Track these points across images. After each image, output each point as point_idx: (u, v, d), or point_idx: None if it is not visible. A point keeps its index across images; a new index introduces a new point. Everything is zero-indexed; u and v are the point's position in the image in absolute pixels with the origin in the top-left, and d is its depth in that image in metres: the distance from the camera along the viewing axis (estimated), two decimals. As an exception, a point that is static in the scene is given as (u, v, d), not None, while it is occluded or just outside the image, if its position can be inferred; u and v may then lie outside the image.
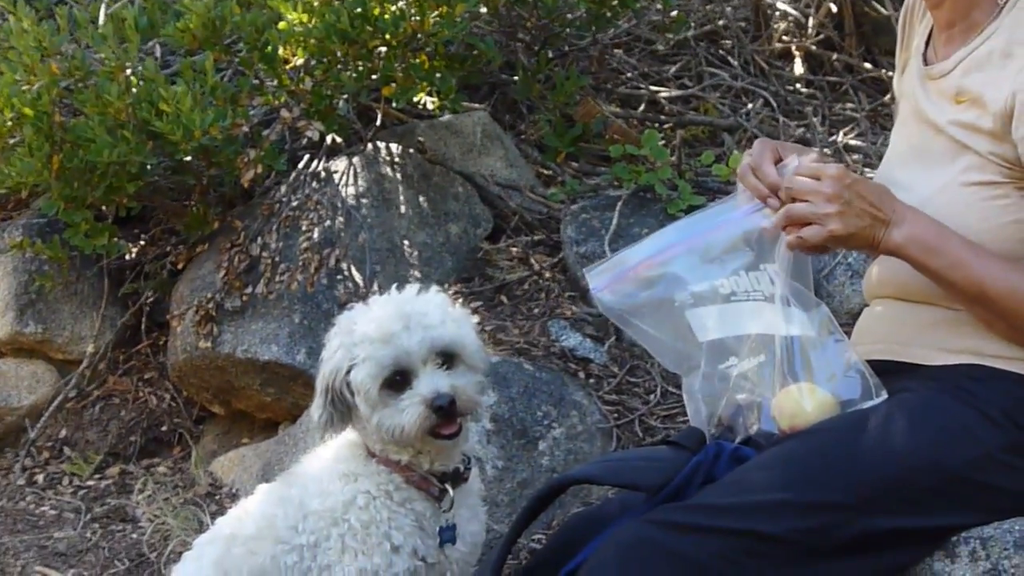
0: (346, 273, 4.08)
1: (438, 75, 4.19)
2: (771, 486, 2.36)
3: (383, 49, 4.03)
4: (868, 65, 5.53)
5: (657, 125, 4.99)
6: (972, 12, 2.57)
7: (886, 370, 2.50)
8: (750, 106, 5.23)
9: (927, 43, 2.71)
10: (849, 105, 5.35)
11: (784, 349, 2.46)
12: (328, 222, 4.14)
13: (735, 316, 2.51)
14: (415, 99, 4.35)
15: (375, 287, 4.00)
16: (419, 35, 3.98)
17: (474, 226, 4.40)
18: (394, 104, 4.31)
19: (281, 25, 3.97)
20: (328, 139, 4.34)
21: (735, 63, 5.45)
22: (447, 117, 4.58)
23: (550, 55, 4.78)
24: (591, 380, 3.85)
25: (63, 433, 4.37)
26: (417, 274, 4.14)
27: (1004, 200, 2.46)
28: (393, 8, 3.95)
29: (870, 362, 2.48)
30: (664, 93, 5.24)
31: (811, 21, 5.62)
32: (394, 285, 2.62)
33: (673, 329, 2.56)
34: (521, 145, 4.81)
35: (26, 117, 3.81)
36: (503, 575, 2.57)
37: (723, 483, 2.42)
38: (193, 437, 4.35)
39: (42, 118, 3.81)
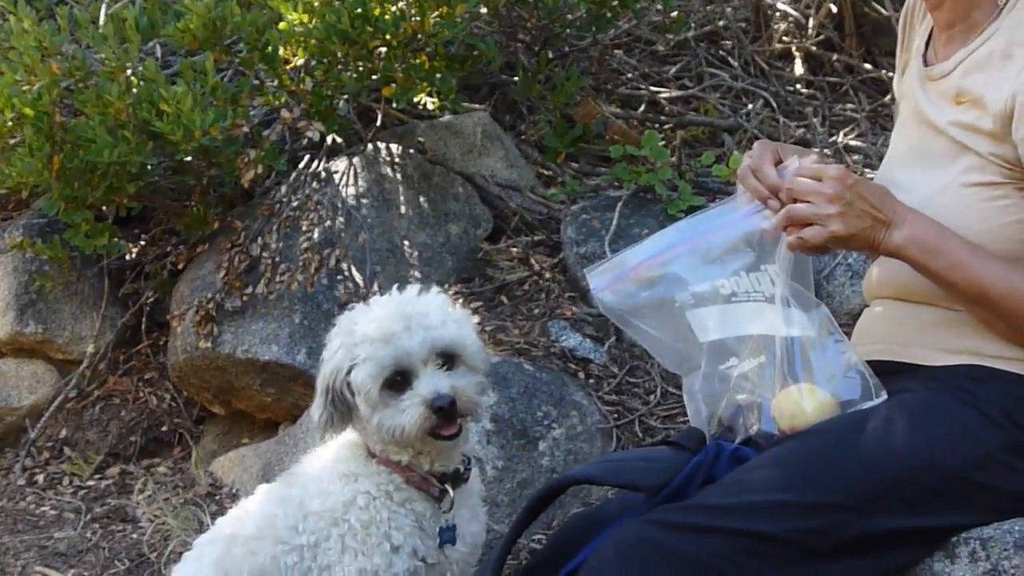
0: (346, 273, 4.08)
1: (438, 75, 4.20)
2: (771, 486, 2.36)
3: (383, 49, 4.03)
4: (868, 66, 5.53)
5: (657, 126, 4.99)
6: (972, 13, 2.58)
7: (886, 370, 2.50)
8: (750, 107, 5.23)
9: (927, 44, 2.72)
10: (849, 106, 5.36)
11: (784, 350, 2.46)
12: (328, 222, 4.14)
13: (736, 317, 2.52)
14: (415, 99, 4.35)
15: (375, 287, 4.00)
16: (419, 35, 3.98)
17: (474, 226, 4.40)
18: (394, 104, 4.31)
19: (281, 25, 3.97)
20: (328, 139, 4.34)
21: (735, 64, 5.45)
22: (447, 117, 4.58)
23: (550, 55, 4.78)
24: (591, 380, 3.85)
25: (63, 433, 4.37)
26: (417, 274, 4.14)
27: (1004, 201, 2.47)
28: (393, 8, 3.95)
29: (870, 362, 2.48)
30: (664, 94, 5.25)
31: (811, 22, 5.63)
32: (394, 285, 2.62)
33: (674, 329, 2.56)
34: (521, 145, 4.81)
35: (26, 117, 3.81)
36: (503, 575, 2.57)
37: (723, 483, 2.42)
38: (193, 437, 4.35)
39: (42, 118, 3.82)
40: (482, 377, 2.58)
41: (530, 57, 4.77)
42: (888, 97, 5.21)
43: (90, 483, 4.20)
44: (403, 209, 4.29)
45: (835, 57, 5.54)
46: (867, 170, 4.60)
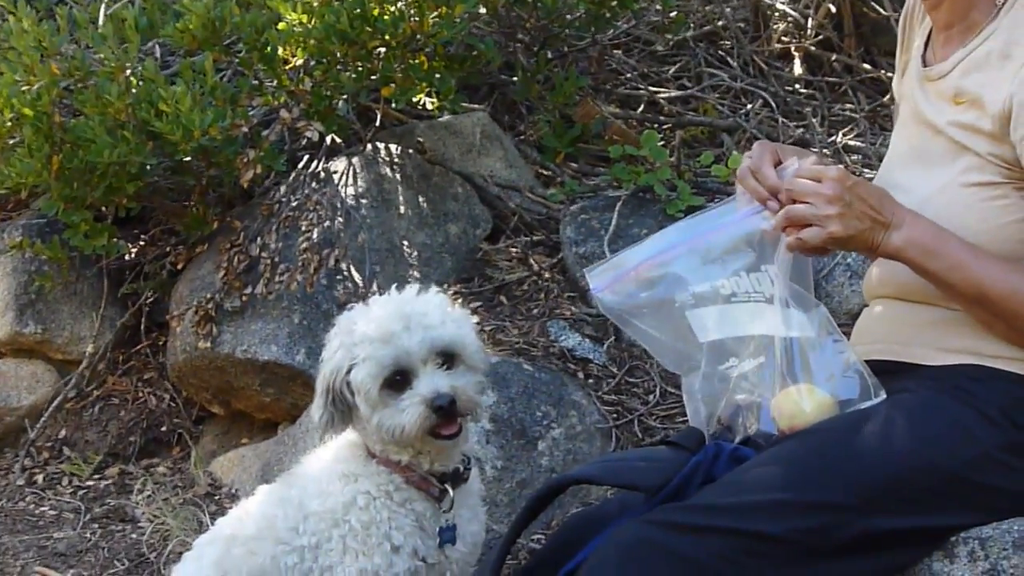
0: (346, 273, 4.08)
1: (437, 76, 4.20)
2: (770, 486, 2.36)
3: (382, 50, 4.03)
4: (867, 66, 5.53)
5: (656, 126, 4.99)
6: (970, 13, 2.58)
7: (885, 370, 2.50)
8: (749, 107, 5.23)
9: (926, 45, 2.72)
10: (848, 106, 5.36)
11: (784, 351, 2.46)
12: (327, 222, 4.14)
13: (736, 317, 2.52)
14: (414, 99, 4.36)
15: (375, 287, 4.00)
16: (418, 36, 3.98)
17: (473, 226, 4.40)
18: (394, 104, 4.32)
19: (281, 26, 3.97)
20: (328, 139, 4.34)
21: (734, 64, 5.45)
22: (446, 118, 4.58)
23: (549, 56, 4.78)
24: (590, 380, 3.85)
25: (63, 433, 4.37)
26: (416, 274, 4.14)
27: (1003, 201, 2.47)
28: (392, 9, 3.95)
29: (869, 362, 2.48)
30: (663, 94, 5.25)
31: (810, 22, 5.63)
32: (394, 285, 2.62)
33: (673, 329, 2.56)
34: (520, 146, 4.81)
35: (26, 117, 3.82)
36: (503, 575, 2.57)
37: (722, 483, 2.42)
38: (193, 437, 4.35)
39: (42, 118, 3.82)
40: (482, 377, 2.58)
41: (529, 57, 4.77)
42: (887, 97, 5.21)
43: (89, 483, 4.20)
44: (402, 209, 4.29)
45: (834, 57, 5.55)
46: (866, 170, 4.60)
